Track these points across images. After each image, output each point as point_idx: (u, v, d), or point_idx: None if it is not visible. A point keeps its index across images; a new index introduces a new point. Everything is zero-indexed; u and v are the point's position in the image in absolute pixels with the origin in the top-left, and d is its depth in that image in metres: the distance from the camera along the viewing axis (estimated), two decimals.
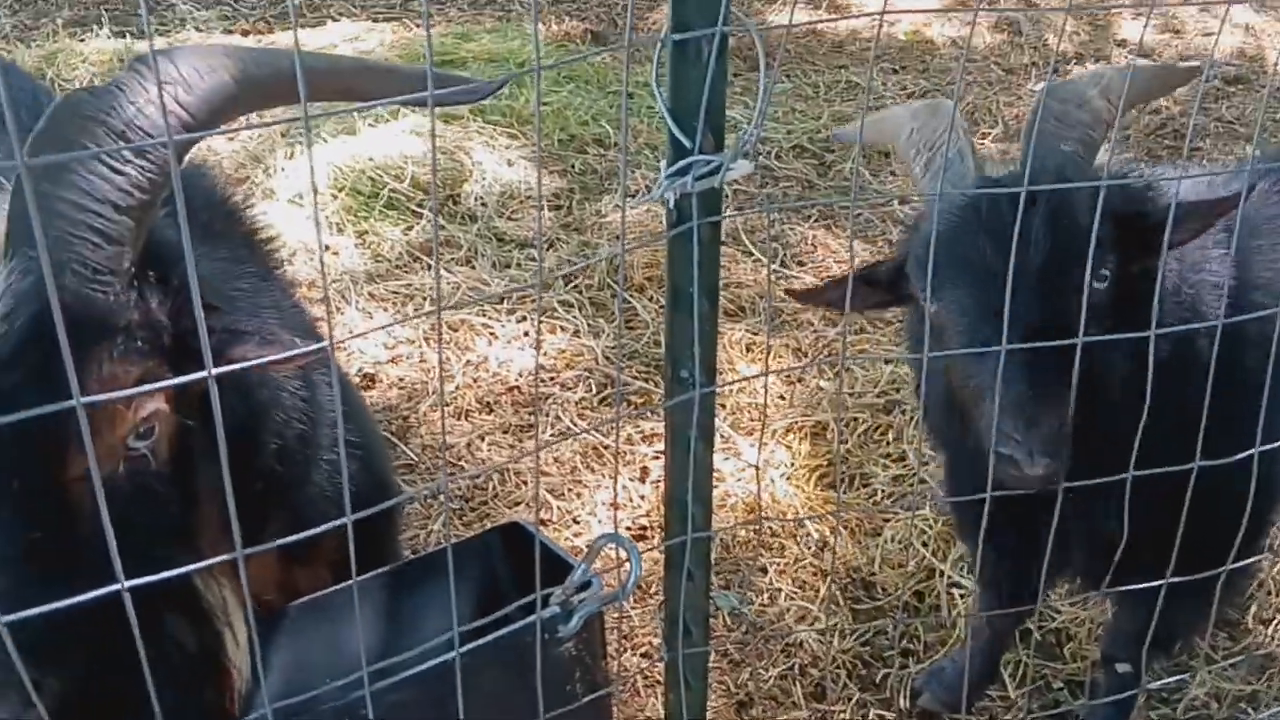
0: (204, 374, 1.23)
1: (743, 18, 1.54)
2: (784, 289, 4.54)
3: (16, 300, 1.45)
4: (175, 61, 1.55)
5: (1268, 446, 2.08)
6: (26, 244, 1.47)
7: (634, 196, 5.01)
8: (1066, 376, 1.93)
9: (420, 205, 4.81)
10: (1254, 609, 3.33)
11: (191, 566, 1.39)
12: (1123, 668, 2.86)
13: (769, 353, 4.24)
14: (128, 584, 1.23)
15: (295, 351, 1.56)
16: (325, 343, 1.38)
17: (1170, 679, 3.09)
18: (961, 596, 3.32)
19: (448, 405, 3.94)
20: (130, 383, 1.49)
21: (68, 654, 1.50)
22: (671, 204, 1.65)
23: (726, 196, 5.02)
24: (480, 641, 1.80)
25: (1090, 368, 1.98)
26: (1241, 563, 2.30)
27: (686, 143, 1.59)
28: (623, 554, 1.89)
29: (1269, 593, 3.39)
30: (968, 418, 2.21)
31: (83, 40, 6.19)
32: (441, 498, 2.15)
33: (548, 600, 1.84)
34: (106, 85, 1.53)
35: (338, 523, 1.48)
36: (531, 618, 1.79)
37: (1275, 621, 3.33)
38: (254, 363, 1.50)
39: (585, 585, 1.92)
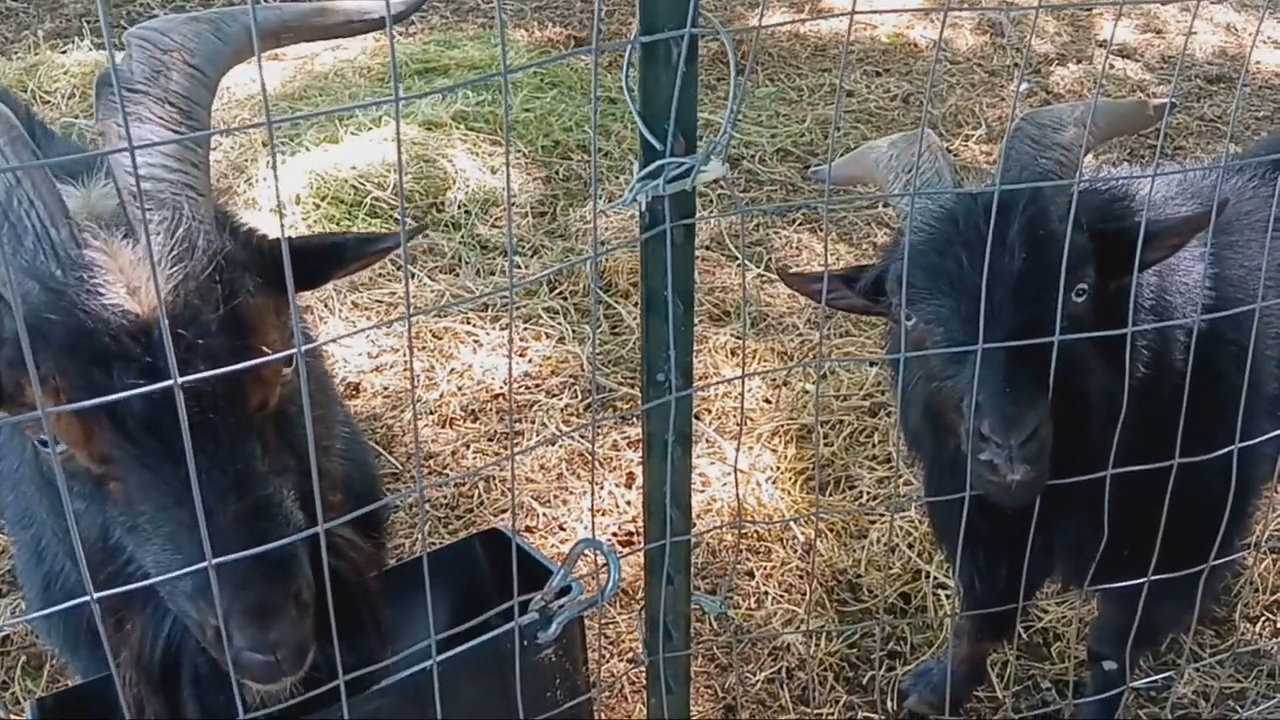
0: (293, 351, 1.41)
1: (711, 19, 1.53)
2: (775, 269, 4.53)
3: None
4: (167, 33, 1.70)
5: (1245, 443, 2.08)
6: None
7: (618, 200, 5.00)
8: (1045, 384, 1.92)
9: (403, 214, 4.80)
10: (1240, 607, 3.34)
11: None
12: (1109, 665, 2.86)
13: (745, 354, 4.23)
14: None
15: (271, 358, 1.56)
16: (294, 350, 1.37)
17: (1157, 677, 3.09)
18: (947, 597, 3.32)
19: (432, 414, 3.93)
20: (272, 309, 1.66)
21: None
22: (644, 207, 1.64)
23: (710, 201, 5.02)
24: (458, 649, 1.79)
25: (1069, 378, 1.98)
26: (1221, 560, 2.30)
27: (658, 145, 1.58)
28: (601, 559, 1.89)
29: (1255, 590, 3.39)
30: (947, 427, 2.20)
31: (64, 52, 6.18)
32: (424, 506, 2.13)
33: (526, 607, 1.83)
34: (129, 63, 1.67)
35: (310, 531, 1.47)
36: (510, 624, 1.78)
37: (1262, 619, 3.33)
38: (235, 368, 1.49)
39: (565, 591, 1.92)
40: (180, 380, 1.31)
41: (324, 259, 1.79)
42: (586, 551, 1.90)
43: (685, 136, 1.60)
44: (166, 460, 1.52)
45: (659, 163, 1.58)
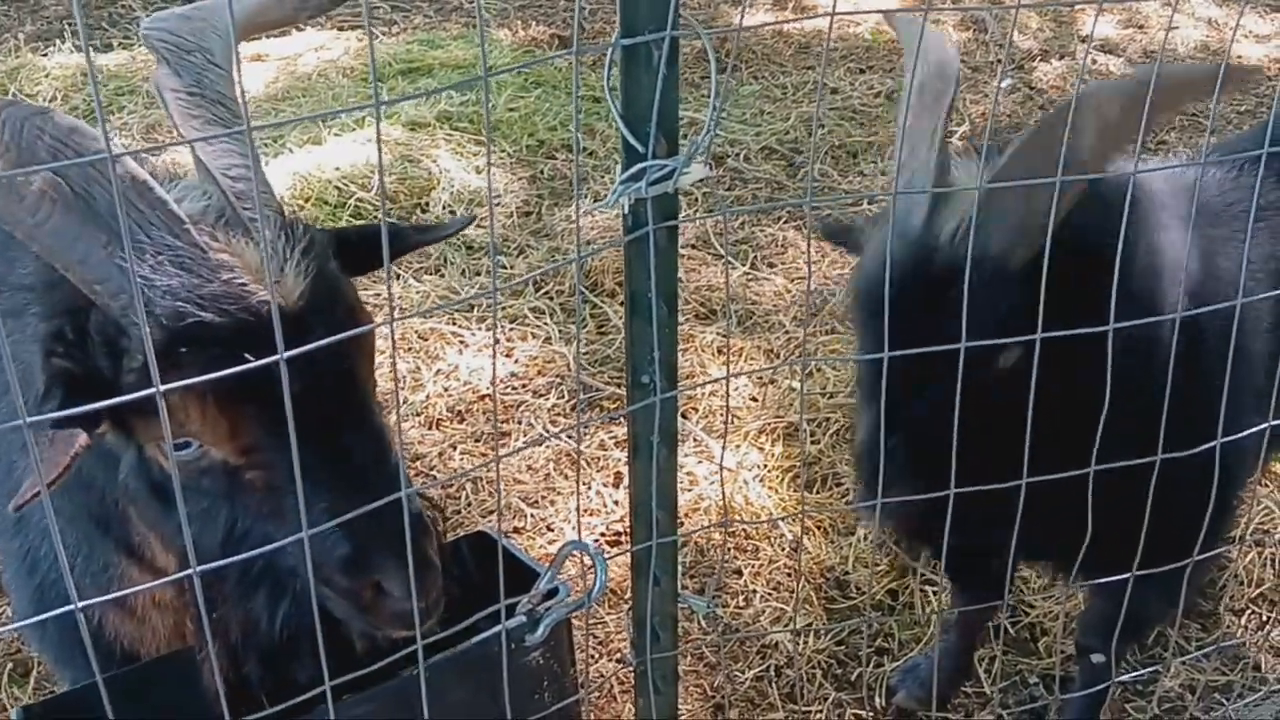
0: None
1: (692, 21, 1.53)
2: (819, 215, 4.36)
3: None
4: (180, 33, 1.79)
5: (1229, 438, 2.08)
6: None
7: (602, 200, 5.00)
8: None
9: (387, 215, 4.79)
10: (1226, 599, 3.35)
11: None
12: (1097, 658, 2.86)
13: (730, 353, 4.24)
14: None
15: (252, 364, 1.56)
16: (278, 356, 1.36)
17: (1143, 671, 3.11)
18: (935, 593, 3.33)
19: (418, 415, 3.93)
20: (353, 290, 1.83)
21: None
22: (627, 209, 1.64)
23: (695, 200, 5.03)
24: (445, 654, 1.79)
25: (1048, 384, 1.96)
26: (1207, 554, 2.32)
27: (640, 148, 1.58)
28: (588, 561, 1.89)
29: (1241, 583, 3.41)
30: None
31: (45, 55, 6.15)
32: (407, 508, 2.14)
33: (513, 609, 1.83)
34: (167, 66, 1.77)
35: (294, 538, 1.47)
36: (497, 628, 1.78)
37: (1247, 611, 3.35)
38: (212, 376, 1.48)
39: (553, 593, 1.92)
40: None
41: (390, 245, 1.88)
42: (573, 553, 1.90)
43: (667, 138, 1.60)
44: (314, 440, 1.57)
45: (641, 165, 1.58)
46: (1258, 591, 3.40)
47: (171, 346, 1.56)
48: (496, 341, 3.98)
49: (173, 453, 1.61)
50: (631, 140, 1.59)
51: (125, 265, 1.54)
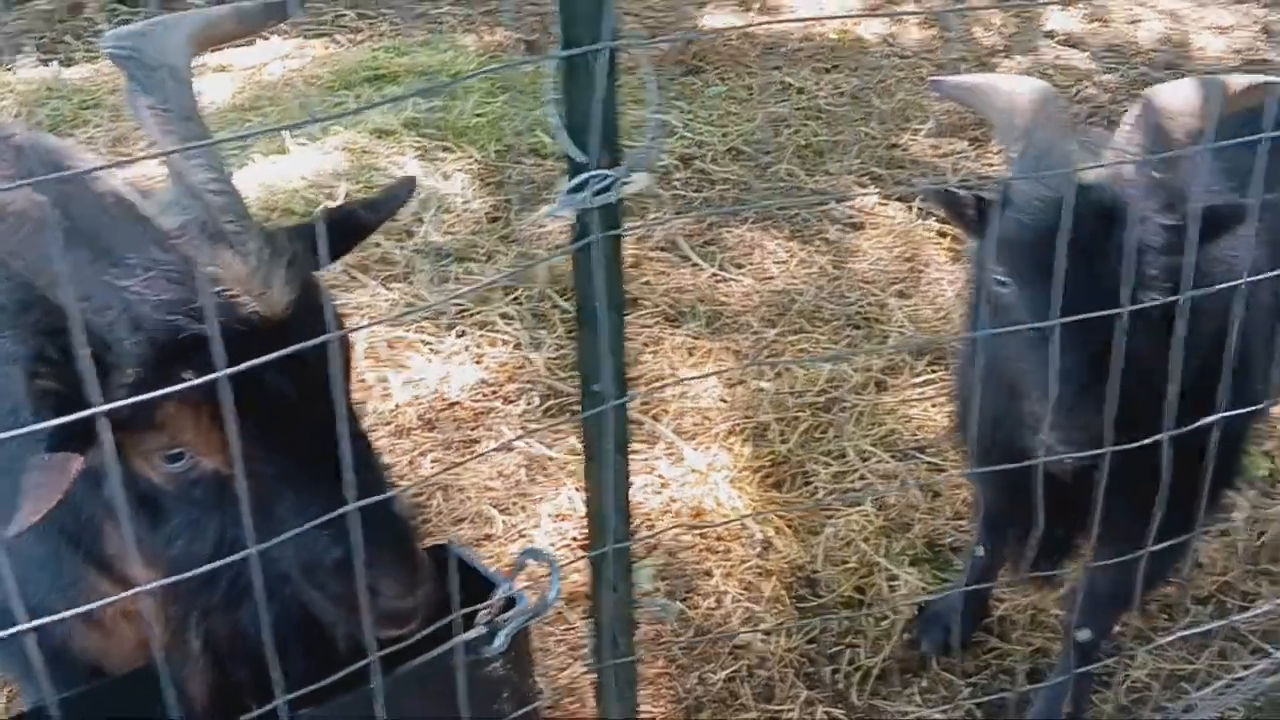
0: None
1: (628, 34, 1.54)
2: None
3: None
4: (143, 50, 1.79)
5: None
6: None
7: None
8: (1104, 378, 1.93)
9: None
10: (1190, 588, 3.38)
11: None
12: (1083, 635, 2.84)
13: (694, 355, 4.26)
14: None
15: (205, 378, 1.56)
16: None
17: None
18: (892, 589, 3.36)
19: (387, 424, 3.93)
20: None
21: None
22: (573, 219, 1.65)
23: (664, 202, 5.04)
24: (402, 668, 1.79)
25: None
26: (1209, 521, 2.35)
27: (581, 159, 1.59)
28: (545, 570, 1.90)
29: (1205, 571, 3.45)
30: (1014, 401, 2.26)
31: (9, 70, 6.12)
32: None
33: (469, 620, 1.84)
34: (137, 84, 1.77)
35: (244, 554, 1.47)
36: (454, 641, 1.79)
37: (1211, 600, 3.38)
38: (170, 390, 1.48)
39: (512, 603, 1.92)
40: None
41: (344, 233, 1.91)
42: (530, 561, 1.91)
43: (609, 149, 1.61)
44: (304, 444, 1.61)
45: (583, 176, 1.59)
46: (1223, 579, 3.43)
47: (169, 360, 1.57)
48: (466, 348, 4.00)
49: (122, 461, 1.60)
50: (573, 151, 1.60)
51: (111, 281, 1.59)
